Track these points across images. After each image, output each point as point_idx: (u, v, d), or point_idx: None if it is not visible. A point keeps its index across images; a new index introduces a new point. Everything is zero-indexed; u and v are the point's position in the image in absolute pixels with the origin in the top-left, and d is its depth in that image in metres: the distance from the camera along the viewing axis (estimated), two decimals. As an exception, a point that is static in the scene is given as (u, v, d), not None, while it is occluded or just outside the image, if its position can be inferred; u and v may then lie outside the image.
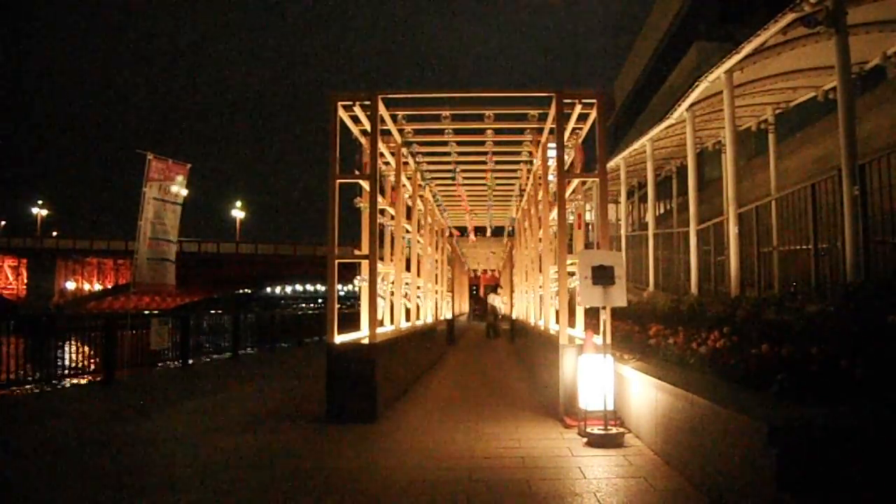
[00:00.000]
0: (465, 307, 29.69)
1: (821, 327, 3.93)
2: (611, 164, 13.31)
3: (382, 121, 7.19)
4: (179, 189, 10.53)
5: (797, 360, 3.57)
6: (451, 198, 13.06)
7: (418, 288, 11.36)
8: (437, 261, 14.51)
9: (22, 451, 5.19)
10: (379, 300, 6.91)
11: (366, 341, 6.36)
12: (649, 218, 14.33)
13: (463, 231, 16.71)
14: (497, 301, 21.86)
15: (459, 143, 8.87)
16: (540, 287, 9.87)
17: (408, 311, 10.04)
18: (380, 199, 7.06)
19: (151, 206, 10.02)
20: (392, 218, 8.74)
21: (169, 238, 10.31)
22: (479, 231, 16.53)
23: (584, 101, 6.81)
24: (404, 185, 9.21)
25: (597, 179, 6.58)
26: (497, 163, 10.10)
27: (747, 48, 6.92)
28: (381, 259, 7.65)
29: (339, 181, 6.49)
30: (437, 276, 14.43)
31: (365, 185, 6.96)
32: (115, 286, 66.14)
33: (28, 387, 8.75)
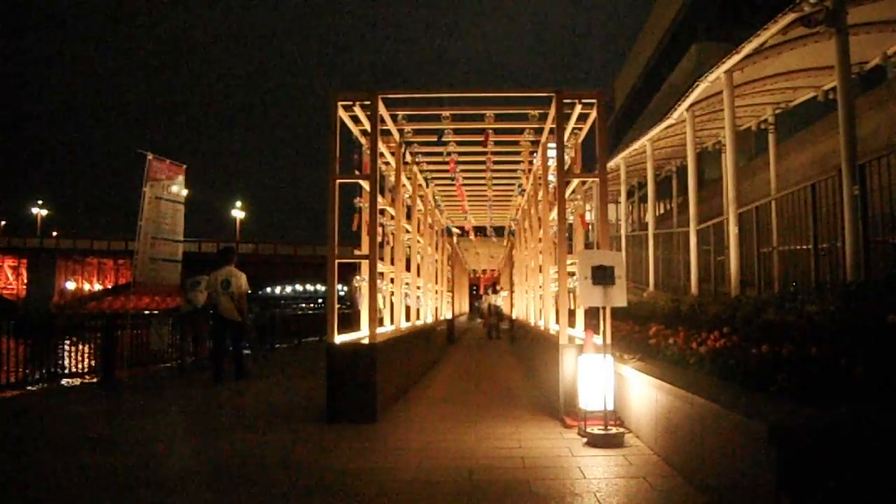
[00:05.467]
0: (466, 307, 29.69)
1: (821, 327, 3.93)
2: (611, 164, 13.31)
3: (382, 121, 7.19)
4: (179, 189, 10.53)
5: (797, 360, 3.57)
6: (451, 198, 13.06)
7: (418, 288, 11.36)
8: (437, 260, 14.51)
9: (21, 450, 5.19)
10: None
11: (366, 341, 6.35)
12: (649, 218, 14.33)
13: (462, 231, 16.70)
14: (498, 300, 21.72)
15: (459, 143, 8.87)
16: (540, 287, 9.87)
17: (407, 311, 10.04)
18: (380, 199, 7.05)
19: (154, 206, 10.01)
20: (392, 218, 8.74)
21: (176, 238, 10.31)
22: (479, 231, 16.53)
23: (583, 101, 6.80)
24: (404, 185, 9.21)
25: (597, 179, 6.58)
26: (497, 163, 10.10)
27: (747, 48, 6.92)
28: (381, 259, 7.65)
29: (338, 181, 6.48)
30: (437, 275, 14.42)
31: (365, 185, 6.95)
32: (115, 286, 66.12)
33: (28, 387, 8.75)
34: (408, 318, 10.05)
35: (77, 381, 9.47)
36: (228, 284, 9.01)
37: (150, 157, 10.01)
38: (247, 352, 11.14)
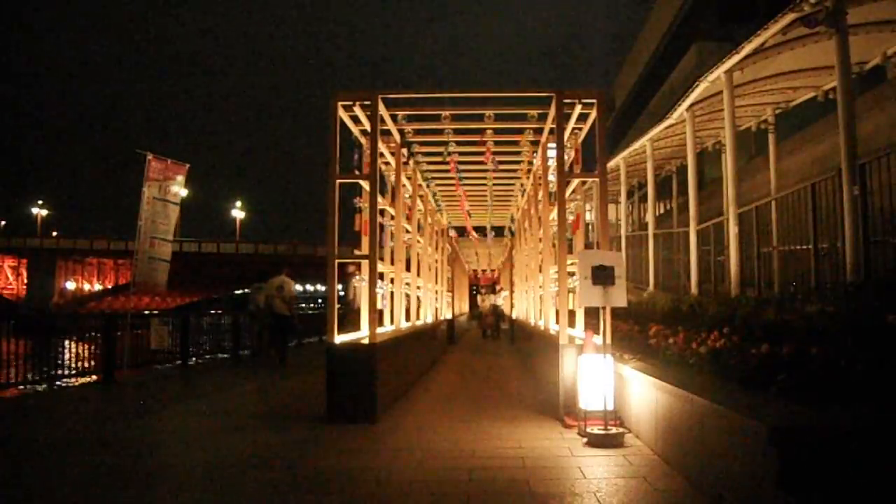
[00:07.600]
0: (466, 307, 29.69)
1: (821, 327, 3.93)
2: (611, 164, 13.31)
3: (382, 121, 7.18)
4: (179, 189, 10.54)
5: (797, 360, 3.57)
6: (451, 198, 13.04)
7: (418, 288, 11.36)
8: (437, 260, 14.51)
9: (21, 450, 5.19)
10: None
11: (366, 341, 6.35)
12: (649, 218, 14.32)
13: (462, 231, 16.70)
14: (498, 300, 21.68)
15: (459, 143, 8.86)
16: (540, 287, 9.87)
17: (407, 311, 10.04)
18: (380, 199, 7.05)
19: (152, 206, 10.02)
20: (392, 218, 8.74)
21: (167, 238, 10.32)
22: (479, 231, 16.52)
23: (584, 101, 6.79)
24: (404, 185, 9.20)
25: (597, 179, 6.58)
26: (497, 163, 10.09)
27: (747, 48, 6.92)
28: (381, 259, 7.64)
29: (338, 181, 6.48)
30: (437, 275, 14.42)
31: (365, 185, 6.95)
32: (115, 286, 66.19)
33: (28, 387, 8.75)
34: (408, 319, 10.05)
35: (77, 381, 9.46)
36: (282, 289, 11.52)
37: (149, 157, 10.02)
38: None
